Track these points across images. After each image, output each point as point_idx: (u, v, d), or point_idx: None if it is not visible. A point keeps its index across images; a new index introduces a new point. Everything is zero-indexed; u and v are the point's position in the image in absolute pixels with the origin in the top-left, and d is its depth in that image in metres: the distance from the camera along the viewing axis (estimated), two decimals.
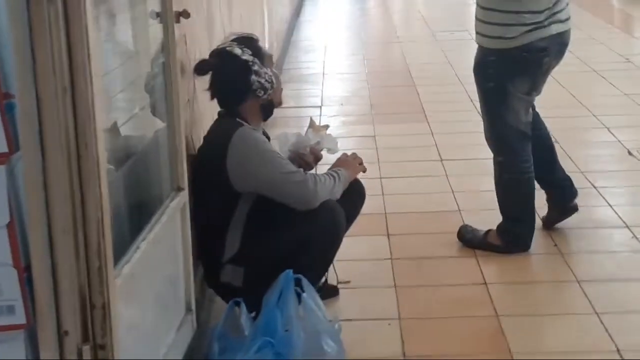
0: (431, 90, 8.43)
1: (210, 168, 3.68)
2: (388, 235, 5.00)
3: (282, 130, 4.25)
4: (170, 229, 3.13)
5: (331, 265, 4.09)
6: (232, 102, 3.79)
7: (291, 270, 3.36)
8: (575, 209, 4.82)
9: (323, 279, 4.08)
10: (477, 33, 4.42)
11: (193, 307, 3.36)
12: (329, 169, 3.89)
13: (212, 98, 3.81)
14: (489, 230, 4.65)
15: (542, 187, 4.79)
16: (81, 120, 2.23)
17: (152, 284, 2.87)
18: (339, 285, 4.30)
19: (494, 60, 4.34)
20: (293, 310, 3.22)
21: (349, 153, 4.12)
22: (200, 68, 3.76)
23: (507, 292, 4.25)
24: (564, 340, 3.78)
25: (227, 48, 3.79)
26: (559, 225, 4.84)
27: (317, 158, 3.93)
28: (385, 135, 7.06)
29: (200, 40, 4.04)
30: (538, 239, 4.69)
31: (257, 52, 3.79)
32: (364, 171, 4.09)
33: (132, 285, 2.60)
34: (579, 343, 3.74)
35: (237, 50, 3.75)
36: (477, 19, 4.40)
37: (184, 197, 3.25)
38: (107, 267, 2.31)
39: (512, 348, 3.70)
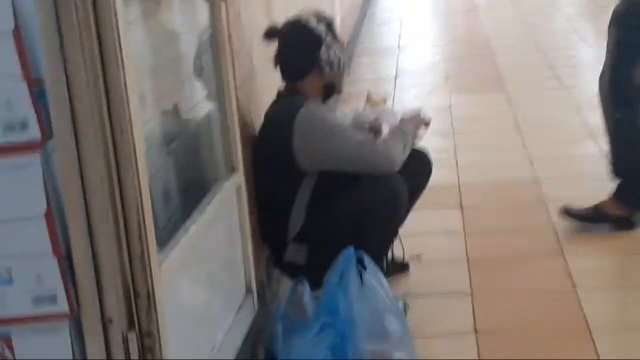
0: (511, 60, 8.23)
1: (274, 148, 3.61)
2: (462, 208, 4.87)
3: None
4: (226, 211, 3.08)
5: (401, 241, 4.01)
6: (296, 74, 3.71)
7: (352, 248, 3.27)
8: None
9: (390, 254, 3.99)
10: None
11: (254, 288, 3.30)
12: (392, 129, 3.76)
13: (275, 66, 3.73)
14: (598, 204, 4.34)
15: None
16: (115, 106, 2.17)
17: (205, 267, 2.82)
18: (410, 260, 4.20)
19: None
20: (354, 290, 3.13)
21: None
22: (270, 33, 3.72)
23: (587, 265, 4.07)
24: None
25: (302, 19, 3.73)
26: None
27: (378, 134, 3.80)
28: (461, 105, 6.91)
29: (257, 18, 3.96)
30: None
31: (331, 29, 3.72)
32: (428, 123, 3.94)
33: (182, 270, 2.55)
34: None
35: (312, 23, 3.69)
36: None
37: (238, 178, 3.18)
38: (150, 254, 2.26)
39: (590, 322, 3.55)
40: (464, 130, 6.25)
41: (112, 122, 2.18)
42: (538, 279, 3.98)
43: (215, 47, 3.10)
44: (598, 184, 4.77)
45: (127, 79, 2.17)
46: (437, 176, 5.07)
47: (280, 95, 3.76)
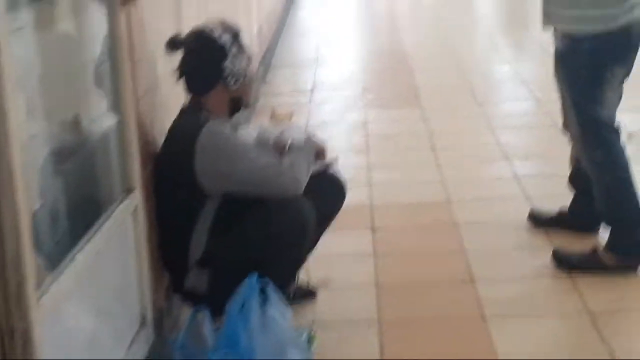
0: (428, 75, 8.17)
1: (175, 168, 3.42)
2: (373, 229, 4.74)
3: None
4: (120, 235, 2.89)
5: (308, 265, 3.86)
6: (200, 87, 3.53)
7: (255, 276, 3.11)
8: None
9: (296, 281, 3.84)
10: (558, 21, 3.91)
11: (149, 318, 3.11)
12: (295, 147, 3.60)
13: (178, 79, 3.55)
14: (594, 250, 4.02)
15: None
16: None
17: (94, 298, 2.63)
18: (317, 286, 4.05)
19: (588, 49, 3.81)
20: (256, 321, 2.98)
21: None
22: (172, 44, 3.51)
23: (496, 292, 3.97)
24: None
25: (206, 29, 3.54)
26: None
27: (283, 151, 3.59)
28: (377, 121, 6.82)
29: (164, 25, 3.77)
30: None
31: (237, 40, 3.54)
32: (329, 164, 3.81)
33: (66, 302, 2.36)
34: None
35: (216, 33, 3.51)
36: (557, 3, 3.88)
37: (135, 199, 2.99)
38: (27, 287, 2.07)
39: (499, 351, 3.45)
40: (379, 148, 6.13)
41: None
42: (446, 305, 3.86)
43: (114, 55, 2.91)
44: (510, 206, 4.73)
45: (5, 90, 1.98)
46: (349, 196, 4.98)
47: (183, 110, 3.57)
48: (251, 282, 3.07)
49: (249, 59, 3.60)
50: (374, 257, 4.39)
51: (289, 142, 3.55)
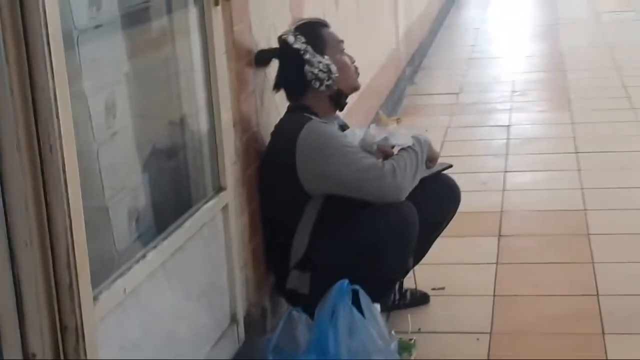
0: (581, 76, 7.84)
1: (278, 166, 3.37)
2: (499, 236, 4.55)
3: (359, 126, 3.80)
4: (209, 233, 2.85)
5: (425, 271, 3.74)
6: (293, 95, 3.49)
7: (346, 281, 3.02)
8: None
9: (407, 285, 3.73)
10: None
11: (239, 318, 3.06)
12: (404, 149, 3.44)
13: (274, 89, 3.51)
14: None
15: None
16: (43, 120, 1.96)
17: (170, 295, 2.59)
18: (432, 292, 3.92)
19: None
20: (345, 327, 2.88)
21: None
22: (258, 59, 3.45)
23: (620, 306, 3.73)
24: None
25: (283, 35, 3.49)
26: None
27: (388, 156, 3.43)
28: (521, 123, 6.58)
29: (279, 21, 3.71)
30: None
31: (314, 38, 3.44)
32: (446, 168, 3.67)
33: (132, 299, 2.33)
34: None
35: (290, 38, 3.44)
36: None
37: (225, 197, 2.95)
38: (80, 283, 2.04)
39: None
40: (519, 151, 5.91)
41: (39, 138, 1.97)
42: (565, 319, 3.65)
43: (206, 56, 2.87)
44: None
45: (56, 87, 1.96)
46: (479, 199, 4.83)
47: (289, 110, 3.52)
48: (341, 287, 2.97)
49: (335, 50, 3.47)
50: (496, 265, 4.21)
51: (395, 146, 3.41)
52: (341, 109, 3.55)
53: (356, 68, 3.56)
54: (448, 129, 6.56)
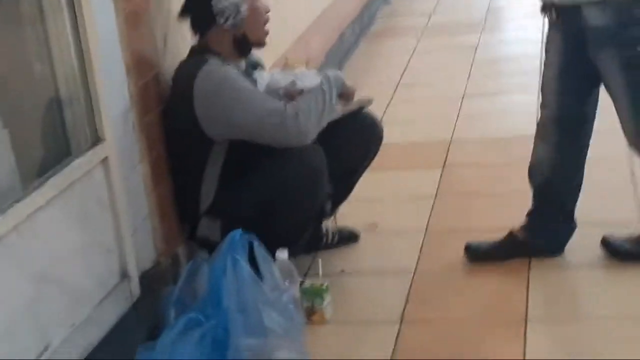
0: None
1: (178, 113, 3.23)
2: (443, 167, 4.38)
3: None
4: (82, 189, 2.70)
5: (356, 207, 3.69)
6: (197, 27, 3.31)
7: (239, 231, 2.89)
8: None
9: (323, 228, 3.59)
10: None
11: (133, 272, 2.93)
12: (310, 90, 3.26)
13: (180, 16, 3.33)
14: None
15: None
16: None
17: (35, 257, 2.45)
18: (365, 230, 3.78)
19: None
20: (232, 281, 2.75)
21: None
22: None
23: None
24: None
25: None
26: None
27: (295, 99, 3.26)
28: (490, 44, 6.35)
29: None
30: None
31: None
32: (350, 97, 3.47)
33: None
34: None
35: None
36: None
37: (104, 150, 2.80)
38: None
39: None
40: (481, 75, 5.70)
41: None
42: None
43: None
44: None
45: None
46: (430, 129, 4.66)
47: (190, 51, 3.35)
48: (233, 238, 2.84)
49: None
50: (434, 198, 4.04)
51: (303, 90, 3.24)
52: (244, 56, 3.36)
53: (267, 21, 3.36)
54: (414, 52, 6.36)
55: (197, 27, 3.30)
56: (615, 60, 3.03)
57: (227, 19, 3.20)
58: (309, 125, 3.12)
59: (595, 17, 3.00)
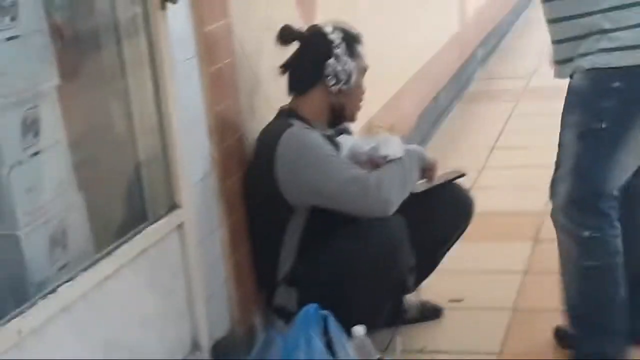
0: None
1: (260, 175, 3.15)
2: (535, 241, 4.20)
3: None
4: (157, 256, 2.63)
5: (442, 280, 3.55)
6: (299, 84, 3.22)
7: (314, 306, 2.78)
8: None
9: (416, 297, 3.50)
10: (585, 53, 2.84)
11: (204, 343, 2.84)
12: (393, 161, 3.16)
13: (282, 73, 3.25)
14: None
15: None
16: None
17: (100, 327, 2.38)
18: (449, 305, 3.63)
19: (618, 88, 2.77)
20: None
21: None
22: (284, 35, 3.20)
23: None
24: None
25: (320, 25, 3.25)
26: None
27: (378, 167, 3.16)
28: None
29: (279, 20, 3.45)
30: None
31: (349, 42, 3.20)
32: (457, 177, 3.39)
33: (34, 342, 2.12)
34: None
35: (328, 28, 3.19)
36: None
37: (180, 216, 2.72)
38: None
39: None
40: None
41: None
42: None
43: (153, 62, 2.65)
44: None
45: None
46: (518, 201, 4.50)
47: (278, 114, 3.27)
48: (307, 313, 2.73)
49: (361, 69, 3.23)
50: (523, 275, 3.87)
51: (386, 156, 3.13)
52: (333, 127, 3.28)
53: (362, 100, 3.30)
54: (510, 116, 6.21)
55: (298, 85, 3.21)
56: None
57: (336, 83, 3.13)
58: (392, 195, 3.01)
59: None
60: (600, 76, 2.80)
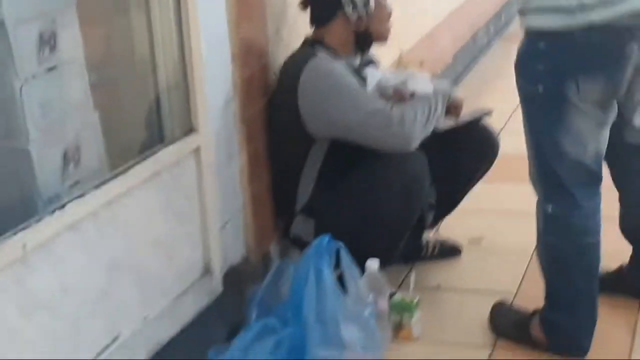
0: None
1: (282, 107, 3.13)
2: None
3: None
4: (171, 179, 2.62)
5: (461, 219, 3.53)
6: (319, 17, 3.19)
7: (327, 237, 2.76)
8: None
9: (422, 239, 3.45)
10: (520, 11, 2.67)
11: (216, 268, 2.84)
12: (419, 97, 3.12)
13: (303, 7, 3.23)
14: (534, 313, 2.96)
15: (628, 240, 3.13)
16: None
17: (112, 243, 2.39)
18: (469, 243, 3.61)
19: (544, 49, 2.60)
20: (312, 291, 2.63)
21: None
22: None
23: None
24: None
25: None
26: None
27: (404, 101, 3.13)
28: None
29: None
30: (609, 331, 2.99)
31: None
32: (484, 115, 3.32)
33: (40, 257, 2.13)
34: None
35: None
36: None
37: (196, 140, 2.71)
38: None
39: None
40: None
41: None
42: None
43: None
44: None
45: None
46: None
47: (303, 43, 3.23)
48: (320, 244, 2.71)
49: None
50: None
51: (413, 91, 3.09)
52: (363, 52, 3.24)
53: (390, 16, 3.25)
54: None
55: (318, 17, 3.19)
56: None
57: (354, 8, 3.08)
58: (414, 130, 2.97)
59: None
60: (531, 38, 2.61)
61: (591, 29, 2.50)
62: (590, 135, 2.65)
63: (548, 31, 2.56)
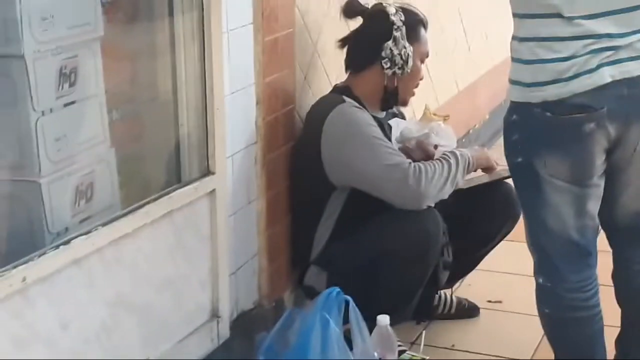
0: None
1: (305, 152, 3.11)
2: None
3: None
4: (182, 220, 2.61)
5: (482, 279, 3.51)
6: (355, 62, 3.18)
7: (336, 289, 2.71)
8: None
9: (450, 291, 3.44)
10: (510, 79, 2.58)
11: (224, 313, 2.81)
12: (442, 153, 3.10)
13: (341, 47, 3.21)
14: None
15: None
16: None
17: (116, 284, 2.37)
18: (486, 305, 3.55)
19: (517, 120, 2.54)
20: (317, 343, 2.59)
21: None
22: (348, 8, 3.19)
23: None
24: None
25: (383, 3, 3.20)
26: None
27: (427, 155, 3.13)
28: None
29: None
30: None
31: (412, 26, 3.15)
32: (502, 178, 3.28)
33: (39, 291, 2.12)
34: None
35: (391, 9, 3.14)
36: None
37: (213, 182, 2.69)
38: None
39: None
40: None
41: None
42: None
43: (201, 27, 2.61)
44: None
45: None
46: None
47: (332, 90, 3.23)
48: (329, 295, 2.67)
49: (420, 54, 3.17)
50: None
51: (437, 146, 3.07)
52: (384, 110, 3.22)
53: (418, 85, 3.24)
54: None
55: (354, 62, 3.17)
56: None
57: (391, 66, 3.08)
58: (429, 190, 2.93)
59: None
60: (509, 107, 2.56)
61: (546, 105, 2.44)
62: (571, 210, 2.54)
63: (516, 103, 2.51)
